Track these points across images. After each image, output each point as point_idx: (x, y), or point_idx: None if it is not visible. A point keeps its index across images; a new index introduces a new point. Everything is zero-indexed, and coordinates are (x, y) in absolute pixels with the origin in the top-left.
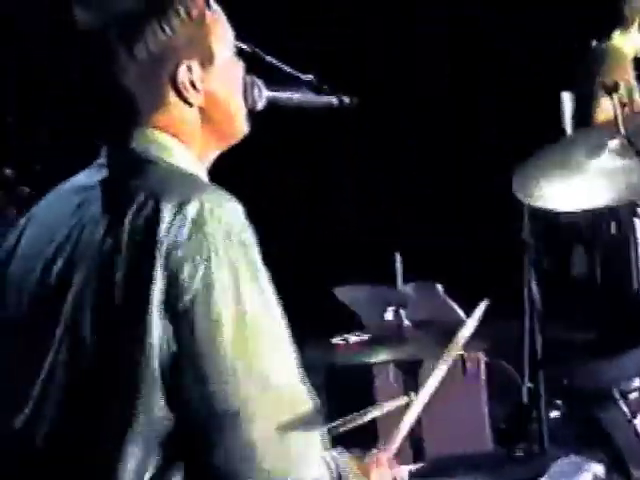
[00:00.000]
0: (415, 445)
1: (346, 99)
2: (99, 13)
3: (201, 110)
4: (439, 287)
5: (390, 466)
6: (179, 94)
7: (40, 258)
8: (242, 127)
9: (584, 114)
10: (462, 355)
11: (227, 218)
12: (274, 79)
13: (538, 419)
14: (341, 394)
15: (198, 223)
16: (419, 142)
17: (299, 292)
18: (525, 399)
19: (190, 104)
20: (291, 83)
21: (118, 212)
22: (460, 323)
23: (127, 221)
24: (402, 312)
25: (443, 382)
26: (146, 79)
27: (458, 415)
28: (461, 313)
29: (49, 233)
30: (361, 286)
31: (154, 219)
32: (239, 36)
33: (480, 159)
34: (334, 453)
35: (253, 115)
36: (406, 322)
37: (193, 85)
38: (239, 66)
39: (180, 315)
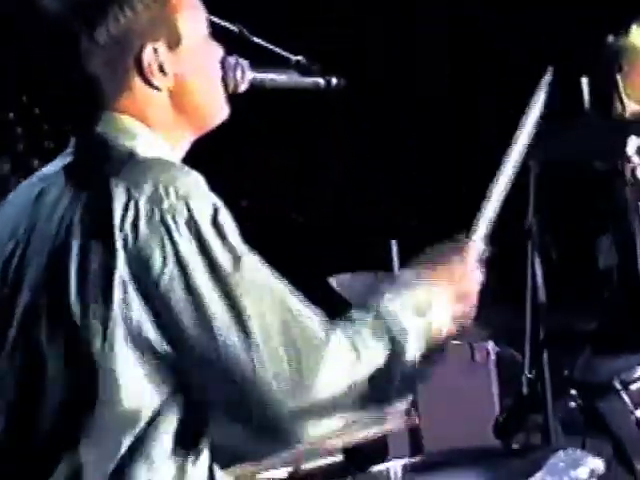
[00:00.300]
0: (413, 438)
1: (334, 80)
2: None
3: (171, 94)
4: None
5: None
6: (144, 78)
7: (2, 255)
8: (219, 112)
9: (602, 108)
10: (470, 344)
11: (184, 191)
12: (263, 61)
13: (543, 410)
14: None
15: (154, 204)
16: (419, 142)
17: (287, 278)
18: (525, 389)
19: (157, 88)
20: (279, 64)
21: (71, 201)
22: None
23: (79, 211)
24: None
25: (448, 373)
26: (110, 63)
27: (466, 408)
28: None
29: (11, 227)
30: (357, 274)
31: (107, 207)
32: (228, 17)
33: (479, 159)
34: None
35: (237, 96)
36: None
37: (161, 68)
38: (214, 48)
39: (158, 300)
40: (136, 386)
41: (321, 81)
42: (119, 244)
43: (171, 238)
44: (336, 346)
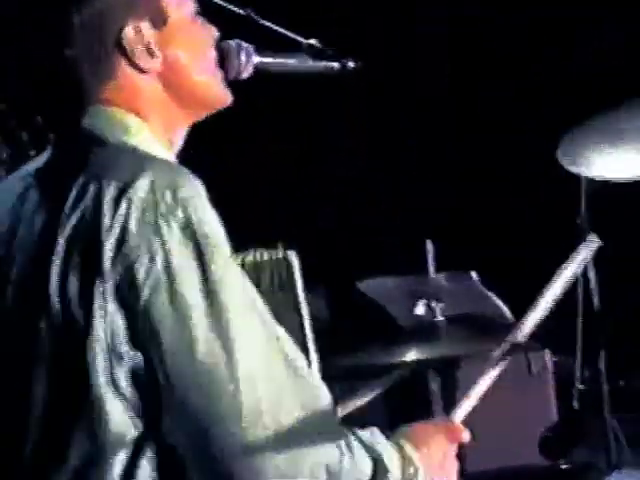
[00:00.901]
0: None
1: (350, 63)
2: None
3: (161, 77)
4: (474, 276)
5: (452, 438)
6: (129, 61)
7: None
8: (217, 94)
9: None
10: (526, 354)
11: (182, 195)
12: (273, 45)
13: (601, 426)
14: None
15: (148, 206)
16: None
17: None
18: (575, 403)
19: (143, 70)
20: (290, 48)
21: (55, 200)
22: (501, 317)
23: (66, 210)
24: (435, 306)
25: (502, 385)
26: (89, 47)
27: (519, 424)
28: (502, 306)
29: None
30: (386, 278)
31: (96, 206)
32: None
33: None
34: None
35: (241, 82)
36: (439, 317)
37: (148, 49)
38: (206, 27)
39: (138, 309)
40: (115, 407)
41: (335, 65)
42: (106, 246)
43: (163, 243)
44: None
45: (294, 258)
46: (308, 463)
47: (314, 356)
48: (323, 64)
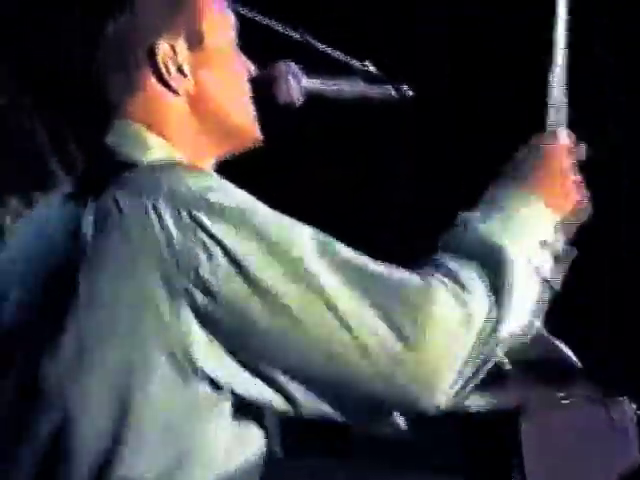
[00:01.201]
0: None
1: (406, 89)
2: None
3: (191, 100)
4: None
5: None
6: (160, 77)
7: (11, 279)
8: (245, 130)
9: None
10: (604, 401)
11: (217, 198)
12: (325, 68)
13: None
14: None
15: (181, 214)
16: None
17: None
18: None
19: (173, 89)
20: (342, 71)
21: (75, 221)
22: (565, 361)
23: (87, 231)
24: None
25: (575, 435)
26: (121, 58)
27: (604, 476)
28: (566, 350)
29: (24, 250)
30: None
31: (120, 224)
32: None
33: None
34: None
35: (291, 108)
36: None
37: (180, 69)
38: (243, 59)
39: (211, 306)
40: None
41: (392, 91)
42: (150, 260)
43: (211, 236)
44: (441, 298)
45: None
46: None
47: None
48: (379, 89)
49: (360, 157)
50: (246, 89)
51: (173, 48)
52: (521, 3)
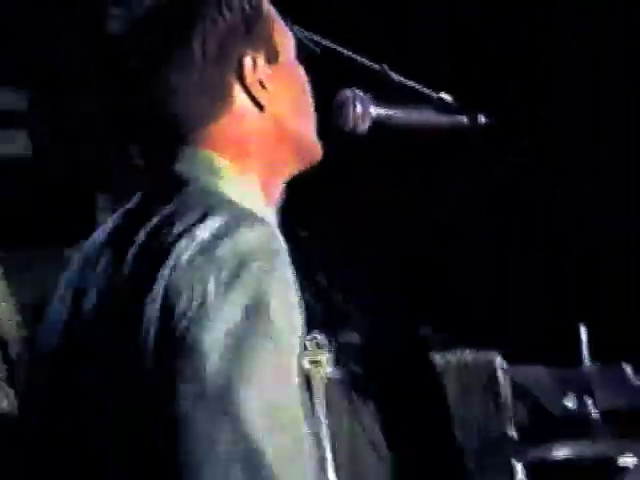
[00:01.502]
0: None
1: (482, 118)
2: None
3: (270, 117)
4: (628, 368)
5: None
6: (249, 94)
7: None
8: (309, 145)
9: None
10: None
11: (248, 244)
12: (402, 98)
13: None
14: None
15: (206, 245)
16: None
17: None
18: None
19: (260, 105)
20: (418, 101)
21: (121, 246)
22: None
23: (129, 257)
24: (586, 399)
25: None
26: (208, 76)
27: None
28: None
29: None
30: (533, 367)
31: (158, 249)
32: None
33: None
34: None
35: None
36: (594, 412)
37: (262, 84)
38: (303, 72)
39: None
40: None
41: (464, 119)
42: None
43: (218, 309)
44: None
45: None
46: None
47: None
48: (451, 118)
49: (413, 176)
50: (311, 101)
51: (255, 62)
52: (521, 3)
